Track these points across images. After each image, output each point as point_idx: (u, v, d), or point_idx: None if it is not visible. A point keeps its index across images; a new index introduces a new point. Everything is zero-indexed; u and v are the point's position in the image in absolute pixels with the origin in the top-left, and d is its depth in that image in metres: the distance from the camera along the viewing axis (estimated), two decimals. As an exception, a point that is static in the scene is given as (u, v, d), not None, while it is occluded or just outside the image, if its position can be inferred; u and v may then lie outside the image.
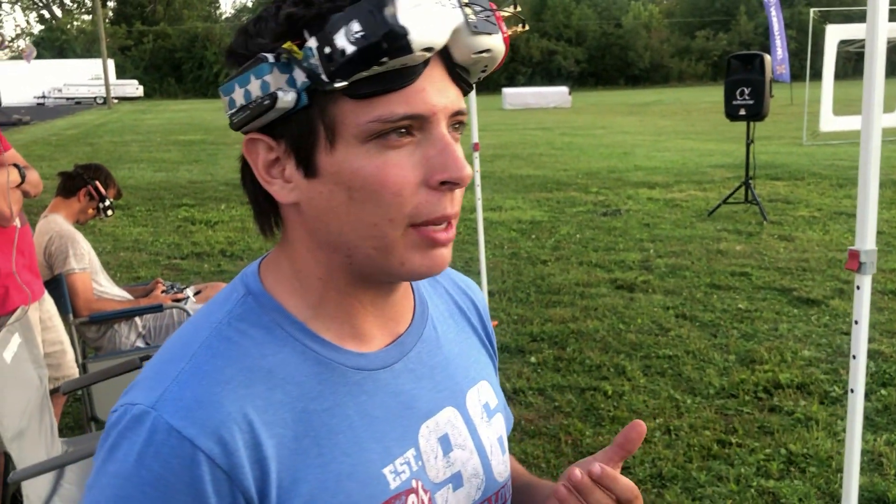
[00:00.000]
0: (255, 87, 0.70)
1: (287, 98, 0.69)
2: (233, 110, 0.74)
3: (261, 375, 0.73)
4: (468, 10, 0.71)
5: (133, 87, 51.93)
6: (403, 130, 0.70)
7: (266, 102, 0.69)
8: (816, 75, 14.33)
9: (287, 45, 0.68)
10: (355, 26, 0.66)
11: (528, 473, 1.02)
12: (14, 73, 48.64)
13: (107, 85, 44.38)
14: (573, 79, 60.24)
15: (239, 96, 0.72)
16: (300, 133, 0.72)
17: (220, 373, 0.72)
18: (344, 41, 0.66)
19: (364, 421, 0.77)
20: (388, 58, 0.66)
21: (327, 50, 0.67)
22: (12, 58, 54.14)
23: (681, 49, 68.22)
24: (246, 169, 0.78)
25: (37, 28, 72.06)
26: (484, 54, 0.73)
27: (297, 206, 0.76)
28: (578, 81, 61.62)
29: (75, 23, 69.67)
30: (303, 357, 0.76)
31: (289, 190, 0.75)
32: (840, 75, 14.31)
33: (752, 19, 65.99)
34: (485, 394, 0.91)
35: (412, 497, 0.78)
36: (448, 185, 0.72)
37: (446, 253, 0.76)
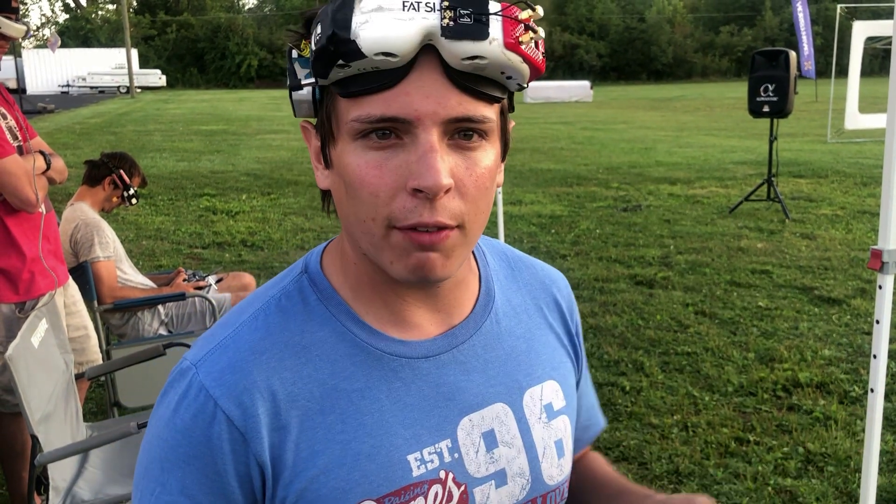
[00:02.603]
0: (289, 78, 0.77)
1: (301, 91, 0.74)
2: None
3: (295, 350, 0.78)
4: (447, 14, 0.67)
5: (156, 77, 52.20)
6: (386, 132, 0.70)
7: (291, 93, 0.77)
8: (842, 72, 14.18)
9: (303, 43, 0.73)
10: (318, 29, 0.69)
11: (622, 479, 0.98)
12: (39, 61, 49.07)
13: (130, 74, 44.67)
14: (595, 73, 59.90)
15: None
16: (320, 125, 0.77)
17: (256, 344, 0.77)
18: (313, 43, 0.70)
19: (395, 406, 0.78)
20: (343, 60, 0.68)
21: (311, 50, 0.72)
22: (37, 46, 54.65)
23: (705, 44, 67.62)
24: None
25: (62, 17, 72.70)
26: (477, 61, 0.69)
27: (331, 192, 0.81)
28: (600, 76, 61.26)
29: (100, 12, 70.18)
30: (341, 338, 0.79)
31: (324, 177, 0.80)
32: (867, 72, 14.15)
33: (777, 15, 65.31)
34: (549, 394, 0.89)
35: (436, 487, 0.79)
36: (423, 193, 0.70)
37: (435, 258, 0.73)
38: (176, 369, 0.78)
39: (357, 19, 0.66)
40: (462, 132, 0.71)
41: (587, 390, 1.01)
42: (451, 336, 0.83)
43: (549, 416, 0.88)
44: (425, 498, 0.78)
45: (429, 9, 0.67)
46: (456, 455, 0.80)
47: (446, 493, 0.79)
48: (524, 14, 0.71)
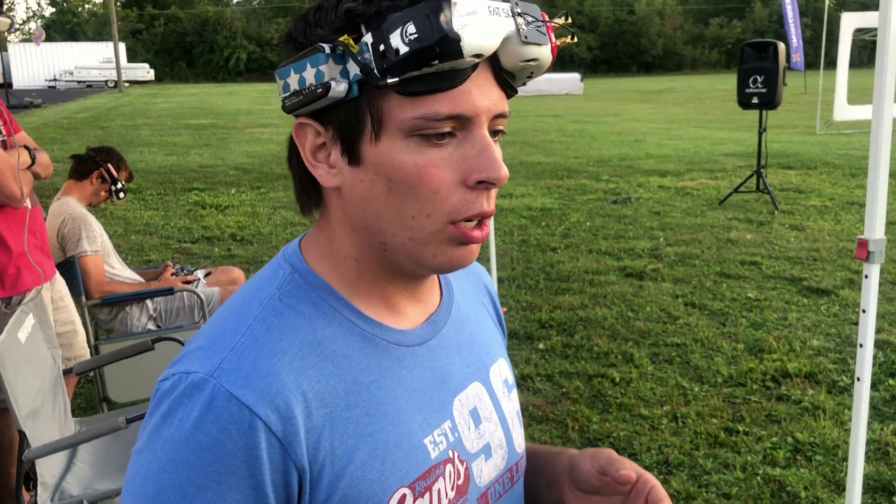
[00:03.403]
0: (309, 74, 0.73)
1: (339, 88, 0.72)
2: (286, 94, 0.77)
3: (312, 348, 0.77)
4: (520, 20, 0.74)
5: (144, 71, 51.91)
6: (447, 131, 0.73)
7: (319, 91, 0.73)
8: (831, 64, 14.22)
9: (344, 38, 0.72)
10: (411, 28, 0.69)
11: (536, 445, 1.05)
12: (25, 55, 48.73)
13: (118, 68, 44.43)
14: (585, 66, 59.96)
15: (293, 81, 0.75)
16: (348, 122, 0.75)
17: (275, 344, 0.75)
18: (399, 41, 0.69)
19: (405, 394, 0.81)
20: (438, 61, 0.69)
21: (381, 47, 0.70)
22: (23, 40, 54.22)
23: (694, 36, 67.79)
24: (293, 149, 0.82)
25: (48, 11, 72.13)
26: (531, 63, 0.76)
27: (338, 191, 0.79)
28: (591, 68, 61.33)
29: (86, 5, 69.66)
30: (349, 332, 0.80)
31: (332, 175, 0.78)
32: (855, 64, 14.19)
33: (766, 6, 65.47)
34: (504, 370, 0.96)
35: (449, 466, 0.82)
36: (485, 184, 0.75)
37: (476, 249, 0.79)
38: (180, 385, 0.72)
39: (458, 22, 0.69)
40: (493, 130, 0.77)
41: None
42: (433, 323, 0.87)
43: (508, 390, 0.95)
44: (444, 478, 0.81)
45: (505, 14, 0.73)
46: (456, 434, 0.84)
47: (456, 471, 0.83)
48: (560, 19, 0.81)
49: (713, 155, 12.66)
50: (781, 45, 8.34)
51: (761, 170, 8.59)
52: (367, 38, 0.71)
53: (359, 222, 0.78)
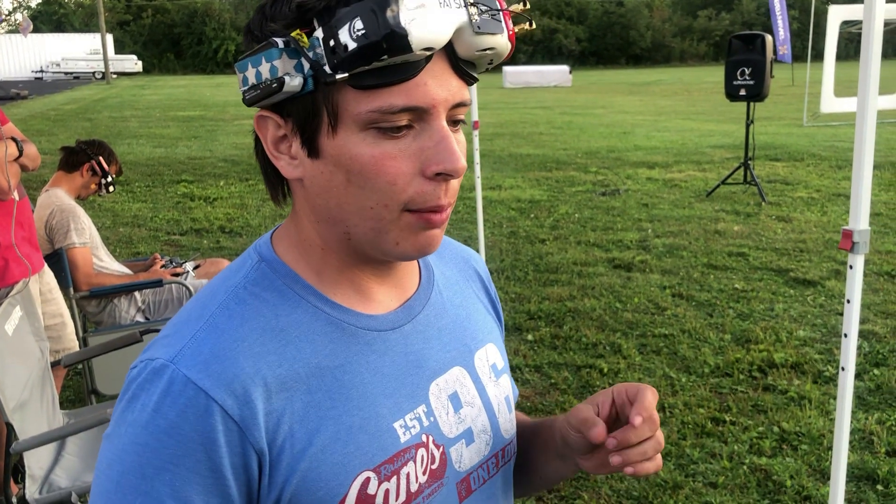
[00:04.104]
0: (265, 69, 0.74)
1: (293, 83, 0.72)
2: (245, 87, 0.77)
3: (274, 334, 0.78)
4: (473, 10, 0.73)
5: (132, 63, 51.54)
6: (404, 123, 0.73)
7: (273, 85, 0.73)
8: (818, 56, 14.28)
9: (295, 33, 0.71)
10: (358, 24, 0.68)
11: (531, 420, 1.05)
12: (12, 46, 48.30)
13: (105, 60, 44.07)
14: (574, 58, 59.95)
15: (251, 75, 0.75)
16: (306, 115, 0.75)
17: (235, 331, 0.76)
18: (347, 37, 0.69)
19: (375, 378, 0.81)
20: (387, 56, 0.69)
21: (331, 43, 0.70)
22: (9, 31, 53.74)
23: (683, 29, 67.87)
24: (259, 141, 0.82)
25: (34, 1, 71.44)
26: (487, 52, 0.75)
27: (301, 181, 0.80)
28: (579, 60, 61.32)
29: (73, -4, 69.04)
30: (314, 318, 0.80)
31: (294, 166, 0.79)
32: (842, 56, 14.25)
33: (754, -1, 65.57)
34: (492, 355, 0.96)
35: (421, 451, 0.83)
36: (443, 176, 0.75)
37: (438, 234, 0.79)
38: (144, 371, 0.74)
39: (405, 16, 0.68)
40: (452, 120, 0.77)
41: None
42: (409, 308, 0.88)
43: (496, 376, 0.95)
44: (414, 462, 0.81)
45: (457, 5, 0.72)
46: (431, 419, 0.84)
47: (429, 456, 0.83)
48: (517, 6, 0.80)
49: (701, 147, 12.70)
50: (769, 38, 8.37)
51: (749, 162, 8.62)
52: (319, 34, 0.71)
53: (322, 212, 0.79)
